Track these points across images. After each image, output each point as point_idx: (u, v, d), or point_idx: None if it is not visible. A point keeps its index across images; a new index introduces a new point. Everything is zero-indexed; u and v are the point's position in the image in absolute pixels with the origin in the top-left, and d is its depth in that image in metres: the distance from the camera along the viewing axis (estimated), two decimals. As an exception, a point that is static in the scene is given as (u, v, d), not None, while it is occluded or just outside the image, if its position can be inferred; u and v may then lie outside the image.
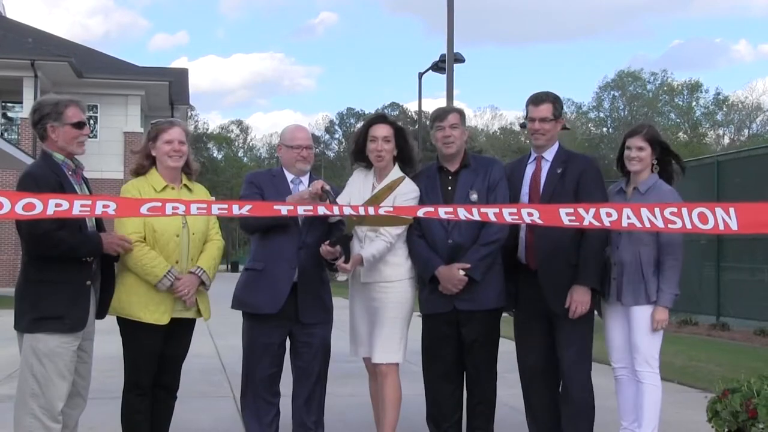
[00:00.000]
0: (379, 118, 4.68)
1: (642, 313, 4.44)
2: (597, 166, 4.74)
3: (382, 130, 4.54)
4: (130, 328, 4.16)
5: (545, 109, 4.63)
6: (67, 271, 3.85)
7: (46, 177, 3.86)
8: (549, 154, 4.65)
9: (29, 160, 20.02)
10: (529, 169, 4.69)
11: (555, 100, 4.66)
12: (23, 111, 27.01)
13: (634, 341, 4.46)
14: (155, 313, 4.12)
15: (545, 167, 4.63)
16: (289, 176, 4.65)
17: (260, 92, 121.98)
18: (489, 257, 4.46)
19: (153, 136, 4.27)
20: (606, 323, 4.65)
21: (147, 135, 4.33)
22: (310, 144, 4.68)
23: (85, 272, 3.93)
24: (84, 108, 4.07)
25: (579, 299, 4.41)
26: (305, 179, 4.66)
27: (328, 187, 4.30)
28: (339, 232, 4.31)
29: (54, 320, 3.79)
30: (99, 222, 4.12)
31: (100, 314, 4.11)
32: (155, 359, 4.22)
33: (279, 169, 4.73)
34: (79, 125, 3.99)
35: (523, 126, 4.78)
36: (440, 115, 4.66)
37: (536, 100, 4.67)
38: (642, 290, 4.43)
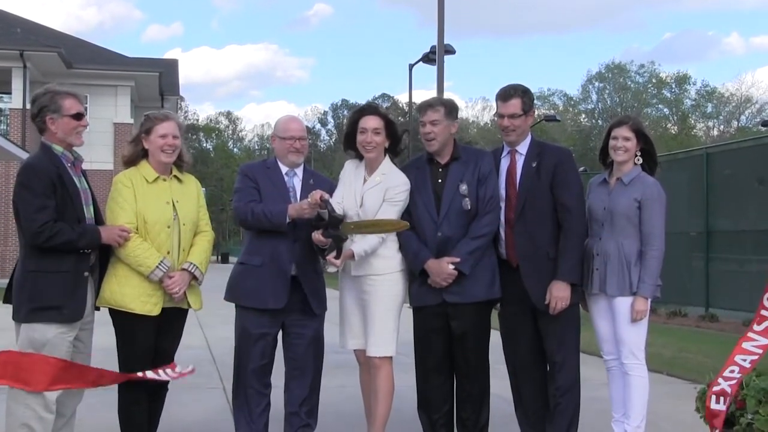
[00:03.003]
0: (369, 109, 4.63)
1: (626, 304, 4.44)
2: (571, 157, 4.70)
3: (372, 122, 4.50)
4: (122, 320, 4.15)
5: (514, 105, 4.53)
6: (66, 262, 3.87)
7: (46, 169, 3.87)
8: (522, 148, 4.61)
9: (18, 151, 19.90)
10: (504, 163, 4.64)
11: (524, 94, 4.55)
12: (12, 102, 26.83)
13: (619, 333, 4.48)
14: (147, 304, 4.12)
15: (520, 161, 4.59)
16: (284, 168, 4.63)
17: (253, 83, 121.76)
18: (478, 251, 4.45)
19: (146, 129, 4.26)
20: (592, 315, 4.66)
21: (140, 126, 4.31)
22: (304, 135, 4.64)
23: (83, 263, 3.94)
24: (81, 99, 4.08)
25: (558, 295, 4.40)
26: (299, 171, 4.65)
27: (327, 197, 4.26)
28: (334, 219, 4.23)
29: (52, 310, 3.81)
30: (98, 214, 4.13)
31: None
32: (150, 350, 4.21)
33: (273, 160, 4.70)
34: (78, 116, 4.00)
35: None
36: (421, 110, 4.60)
37: (504, 95, 4.56)
38: (626, 281, 4.44)
